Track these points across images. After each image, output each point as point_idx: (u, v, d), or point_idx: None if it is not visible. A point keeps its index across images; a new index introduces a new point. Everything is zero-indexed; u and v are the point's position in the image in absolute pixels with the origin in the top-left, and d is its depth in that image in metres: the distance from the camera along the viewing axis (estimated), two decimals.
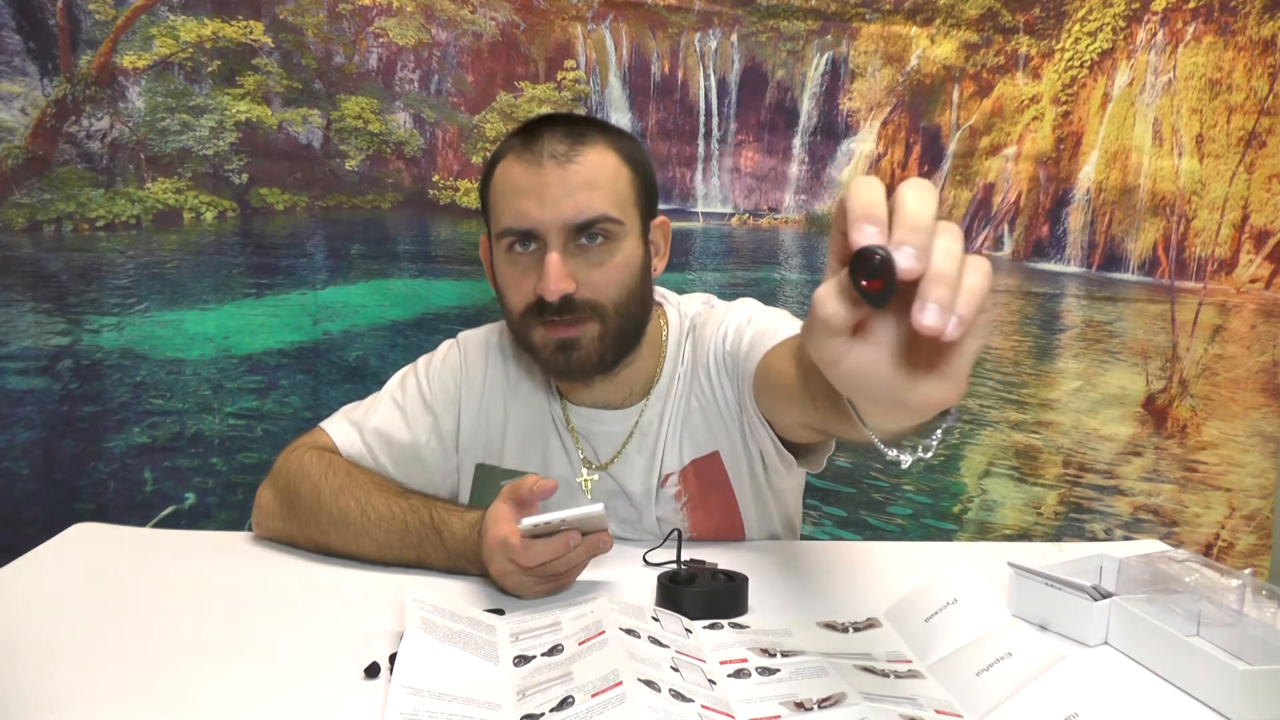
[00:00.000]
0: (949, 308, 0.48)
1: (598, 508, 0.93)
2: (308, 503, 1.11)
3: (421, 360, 1.27)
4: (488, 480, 1.23)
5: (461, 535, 1.02)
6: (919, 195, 0.49)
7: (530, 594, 0.96)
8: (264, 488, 1.18)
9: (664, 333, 1.21)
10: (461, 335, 1.29)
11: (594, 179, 1.06)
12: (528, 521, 0.92)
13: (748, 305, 1.17)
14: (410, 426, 1.21)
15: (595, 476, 1.20)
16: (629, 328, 1.11)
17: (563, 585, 0.98)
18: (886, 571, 1.09)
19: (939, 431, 0.64)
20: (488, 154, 1.89)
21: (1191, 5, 1.87)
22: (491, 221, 1.12)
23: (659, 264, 1.18)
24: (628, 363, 1.15)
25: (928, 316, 0.47)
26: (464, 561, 1.02)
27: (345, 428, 1.21)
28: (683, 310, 1.23)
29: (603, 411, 1.19)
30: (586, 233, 1.06)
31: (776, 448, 1.10)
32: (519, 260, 1.08)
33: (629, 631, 0.80)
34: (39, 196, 1.76)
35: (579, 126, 1.09)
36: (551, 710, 0.69)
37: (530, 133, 1.09)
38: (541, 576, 0.95)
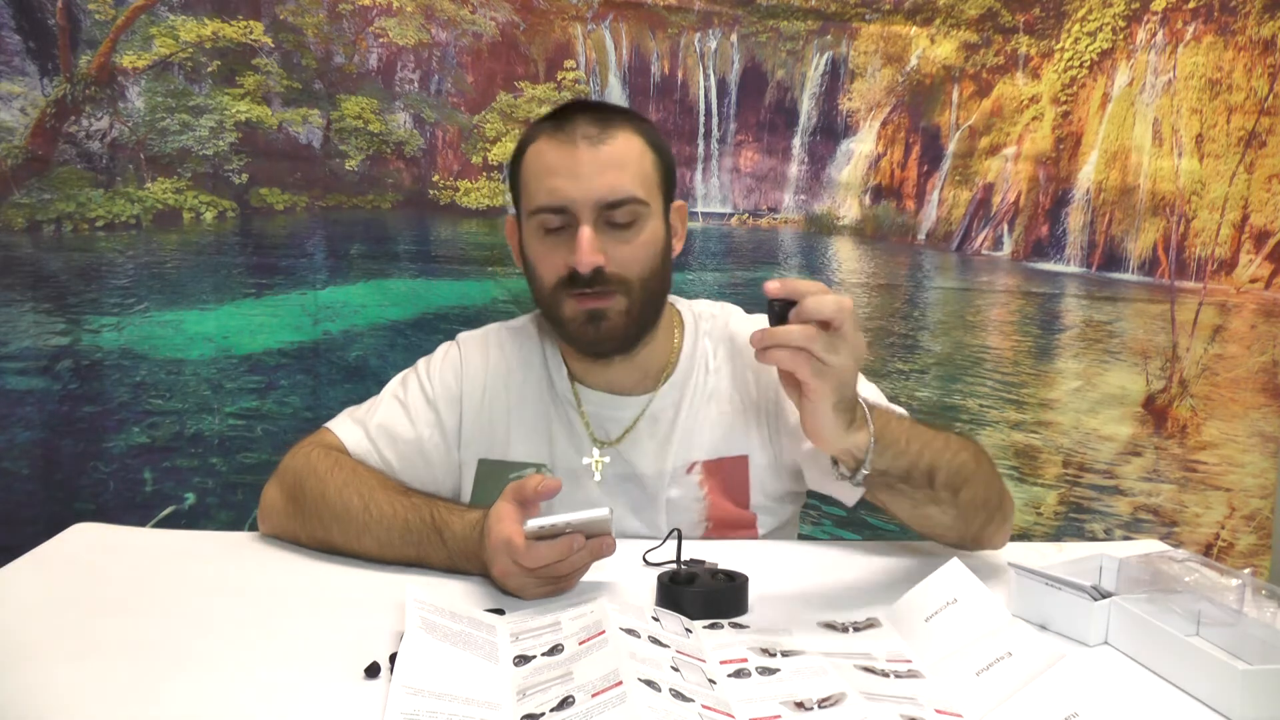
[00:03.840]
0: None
1: (603, 511, 0.93)
2: (313, 498, 1.11)
3: (421, 361, 1.30)
4: (490, 476, 1.23)
5: (462, 535, 1.02)
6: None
7: (532, 595, 0.96)
8: (269, 486, 1.18)
9: (675, 320, 1.26)
10: (460, 335, 1.31)
11: (623, 160, 1.11)
12: (533, 524, 0.92)
13: None
14: (413, 422, 1.23)
15: (606, 458, 1.21)
16: (651, 303, 1.17)
17: (565, 588, 0.98)
18: (886, 571, 1.09)
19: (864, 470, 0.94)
20: (488, 154, 1.89)
21: (1191, 5, 1.87)
22: (523, 200, 1.17)
23: (677, 245, 1.24)
24: (646, 342, 1.20)
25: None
26: (464, 561, 1.03)
27: (349, 426, 1.22)
28: (688, 305, 1.29)
29: (616, 396, 1.22)
30: (616, 211, 1.11)
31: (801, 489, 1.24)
32: (551, 235, 1.13)
33: (629, 631, 0.80)
34: (39, 196, 1.76)
35: (606, 112, 1.16)
36: (552, 710, 0.69)
37: (561, 116, 1.14)
38: (544, 579, 0.95)
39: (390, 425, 1.22)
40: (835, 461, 0.97)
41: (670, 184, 1.19)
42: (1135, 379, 1.96)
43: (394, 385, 1.27)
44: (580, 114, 1.13)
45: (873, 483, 0.98)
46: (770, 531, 1.24)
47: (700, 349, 1.25)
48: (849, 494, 1.11)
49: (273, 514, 1.16)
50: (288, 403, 1.83)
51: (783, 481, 1.23)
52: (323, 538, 1.11)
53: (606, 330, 1.14)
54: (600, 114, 1.14)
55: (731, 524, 1.22)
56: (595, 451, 1.22)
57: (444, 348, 1.30)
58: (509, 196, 1.92)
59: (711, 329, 1.26)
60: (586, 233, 1.09)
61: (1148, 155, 1.91)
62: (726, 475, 1.21)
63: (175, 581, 1.01)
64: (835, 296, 0.83)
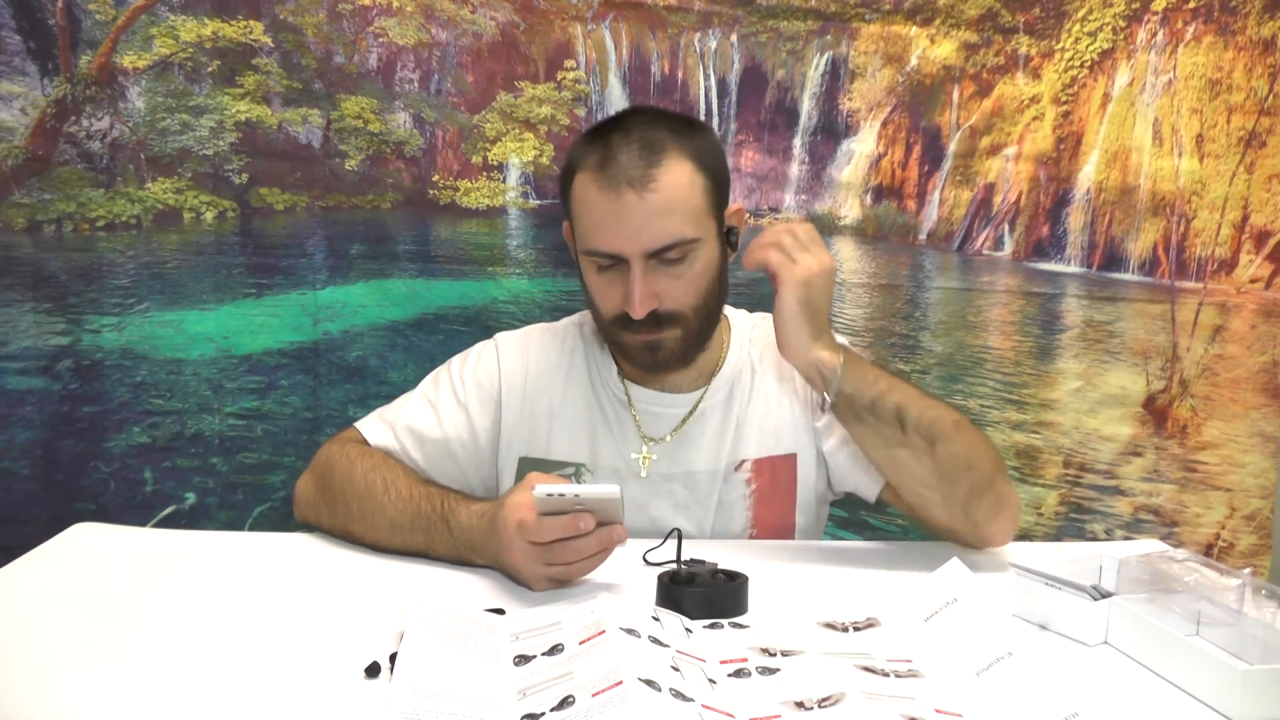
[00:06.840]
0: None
1: (613, 489, 0.92)
2: (340, 478, 1.15)
3: (456, 358, 1.29)
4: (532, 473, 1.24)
5: (468, 525, 1.03)
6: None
7: (543, 586, 0.97)
8: (303, 475, 1.22)
9: (723, 324, 1.27)
10: (498, 336, 1.31)
11: (670, 204, 1.08)
12: (541, 489, 0.92)
13: None
14: (442, 422, 1.23)
15: (654, 455, 1.22)
16: (709, 322, 1.18)
17: (573, 575, 0.98)
18: (886, 571, 1.09)
19: (832, 386, 1.08)
20: (488, 153, 1.90)
21: (1191, 5, 1.87)
22: (575, 234, 1.16)
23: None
24: (704, 349, 1.21)
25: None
26: (469, 551, 1.04)
27: (379, 425, 1.24)
28: (732, 310, 1.30)
29: (667, 394, 1.23)
30: (666, 252, 1.10)
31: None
32: (605, 273, 1.14)
33: (629, 631, 0.80)
34: (39, 196, 1.76)
35: (654, 137, 1.10)
36: (552, 710, 0.69)
37: (606, 146, 1.09)
38: (554, 562, 0.95)
39: (418, 426, 1.23)
40: (820, 403, 1.14)
41: (723, 194, 1.17)
42: (1136, 379, 1.96)
43: (425, 384, 1.28)
44: (626, 146, 1.08)
45: (842, 411, 1.09)
46: (804, 531, 1.25)
47: (747, 350, 1.27)
48: (869, 486, 1.19)
49: (302, 500, 1.20)
50: (288, 403, 1.83)
51: (822, 479, 1.24)
52: (343, 520, 1.13)
53: (664, 357, 1.16)
54: (647, 144, 1.08)
55: (775, 526, 1.23)
56: (644, 448, 1.22)
57: (479, 347, 1.30)
58: (509, 196, 1.94)
59: (755, 335, 1.29)
60: (637, 286, 1.09)
61: (1148, 155, 1.91)
62: (776, 474, 1.22)
63: (175, 581, 1.01)
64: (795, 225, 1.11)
